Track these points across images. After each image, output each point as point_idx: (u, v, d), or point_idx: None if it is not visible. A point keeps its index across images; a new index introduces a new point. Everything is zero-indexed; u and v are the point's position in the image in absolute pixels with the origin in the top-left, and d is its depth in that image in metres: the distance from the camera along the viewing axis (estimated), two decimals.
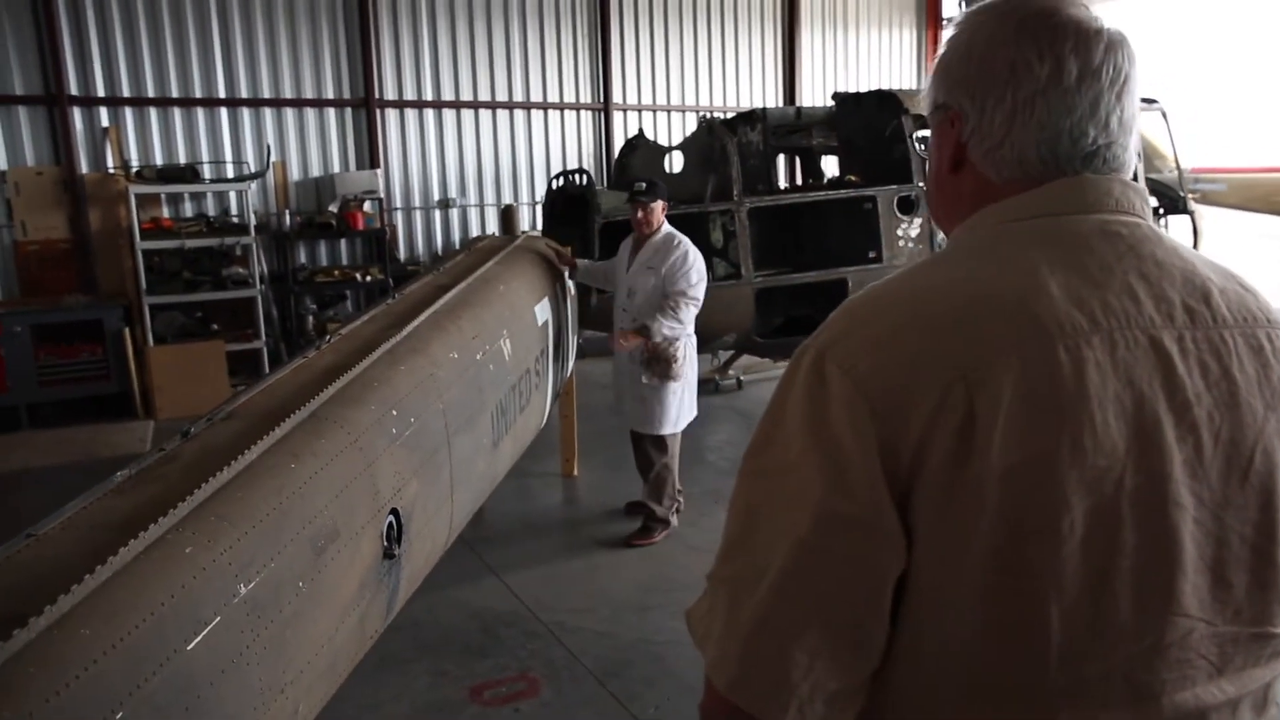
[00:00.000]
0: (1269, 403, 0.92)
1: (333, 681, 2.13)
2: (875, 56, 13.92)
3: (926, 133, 1.09)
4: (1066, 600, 0.86)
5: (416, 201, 10.54)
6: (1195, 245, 8.78)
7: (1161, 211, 8.83)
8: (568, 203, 7.03)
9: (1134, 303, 0.89)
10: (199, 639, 1.47)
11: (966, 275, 0.93)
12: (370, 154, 10.06)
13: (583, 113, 11.47)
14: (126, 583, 1.45)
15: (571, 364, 5.31)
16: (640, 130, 9.80)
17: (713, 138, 7.07)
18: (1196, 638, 0.90)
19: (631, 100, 11.75)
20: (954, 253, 0.99)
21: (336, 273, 9.64)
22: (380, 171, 9.97)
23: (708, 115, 9.60)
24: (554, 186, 7.34)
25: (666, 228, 4.97)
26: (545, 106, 11.17)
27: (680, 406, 4.90)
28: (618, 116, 11.63)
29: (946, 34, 1.04)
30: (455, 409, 2.97)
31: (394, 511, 2.39)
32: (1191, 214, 8.80)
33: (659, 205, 4.93)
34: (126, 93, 8.82)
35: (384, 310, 3.47)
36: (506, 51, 10.84)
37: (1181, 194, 8.87)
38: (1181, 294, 0.91)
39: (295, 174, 9.79)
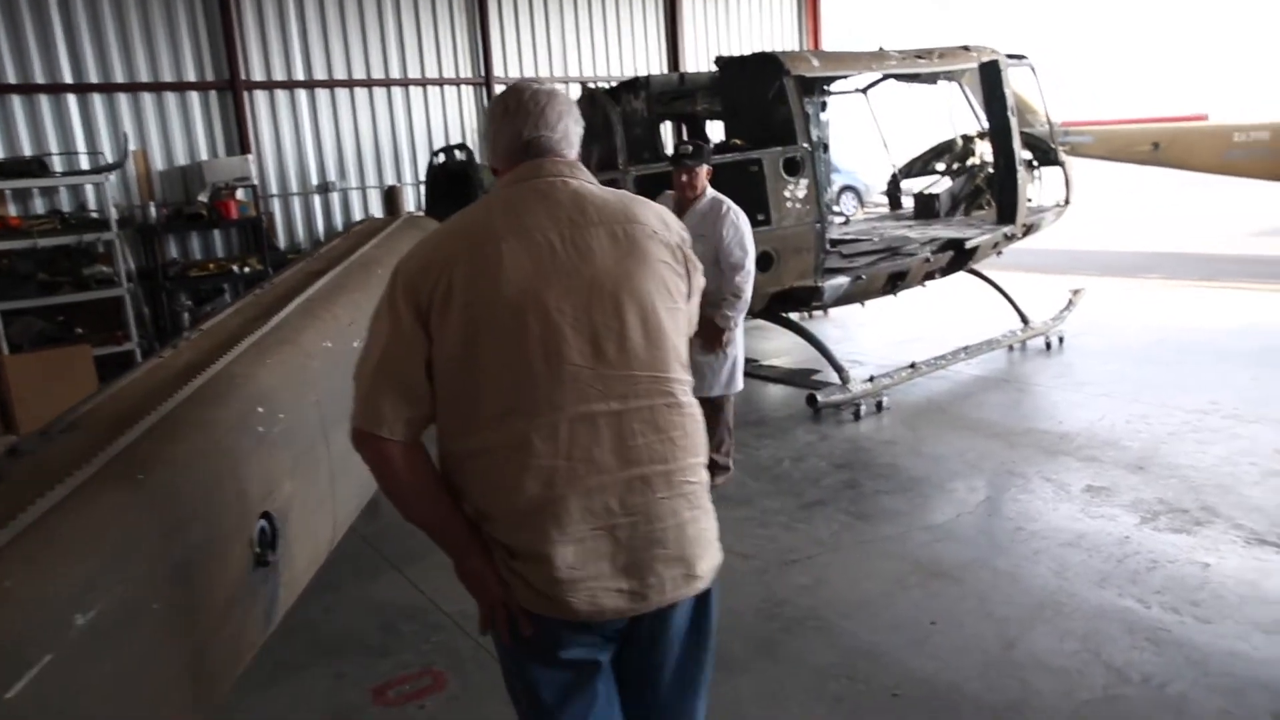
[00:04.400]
0: (616, 259, 1.78)
1: (208, 703, 1.97)
2: (757, 19, 13.97)
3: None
4: (509, 364, 1.71)
5: (294, 187, 10.08)
6: (1067, 195, 9.12)
7: (1035, 163, 9.12)
8: (450, 179, 6.81)
9: (536, 220, 1.77)
10: (23, 683, 1.30)
11: (466, 217, 1.87)
12: (240, 139, 9.55)
13: (464, 87, 11.16)
14: None
15: None
16: None
17: (596, 107, 6.93)
18: (586, 376, 1.72)
19: (514, 73, 11.47)
20: (474, 206, 1.91)
21: (211, 265, 9.16)
22: (252, 157, 9.48)
23: (591, 85, 9.44)
24: (434, 164, 7.10)
25: (710, 191, 4.94)
26: (424, 83, 10.81)
27: (731, 370, 5.09)
28: (499, 90, 11.32)
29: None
30: (332, 400, 2.79)
31: (265, 515, 2.22)
32: (1062, 165, 9.11)
33: (704, 169, 4.91)
34: None
35: (251, 301, 3.25)
36: (380, 26, 10.43)
37: (1052, 146, 9.18)
38: (569, 211, 1.79)
39: (159, 163, 9.22)
